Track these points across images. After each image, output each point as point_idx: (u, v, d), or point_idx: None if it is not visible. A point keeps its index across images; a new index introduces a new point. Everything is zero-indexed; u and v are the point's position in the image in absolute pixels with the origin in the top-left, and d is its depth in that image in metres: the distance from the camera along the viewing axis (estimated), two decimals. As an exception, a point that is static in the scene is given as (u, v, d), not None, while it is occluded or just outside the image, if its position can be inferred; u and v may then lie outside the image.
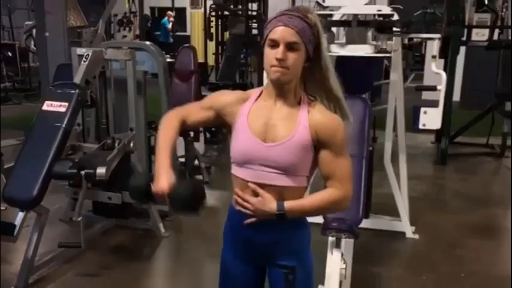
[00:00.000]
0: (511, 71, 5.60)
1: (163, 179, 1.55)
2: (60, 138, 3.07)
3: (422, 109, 3.04)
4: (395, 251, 3.62)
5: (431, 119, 3.03)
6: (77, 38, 7.09)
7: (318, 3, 3.72)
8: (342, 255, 2.79)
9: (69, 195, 3.76)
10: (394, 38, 3.15)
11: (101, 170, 2.90)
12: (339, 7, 3.45)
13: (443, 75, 3.08)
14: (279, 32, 1.49)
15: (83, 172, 2.88)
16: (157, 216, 3.78)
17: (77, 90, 3.22)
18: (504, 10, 6.14)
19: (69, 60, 6.62)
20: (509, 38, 6.15)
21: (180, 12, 15.84)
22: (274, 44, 1.50)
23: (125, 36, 15.25)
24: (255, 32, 7.24)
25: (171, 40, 13.65)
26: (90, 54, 3.42)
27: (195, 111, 1.73)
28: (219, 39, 7.49)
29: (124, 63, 3.74)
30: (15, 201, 2.95)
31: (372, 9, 2.96)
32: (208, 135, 6.28)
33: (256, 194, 1.59)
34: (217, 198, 4.67)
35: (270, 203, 1.58)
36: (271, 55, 1.51)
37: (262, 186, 1.59)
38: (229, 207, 1.75)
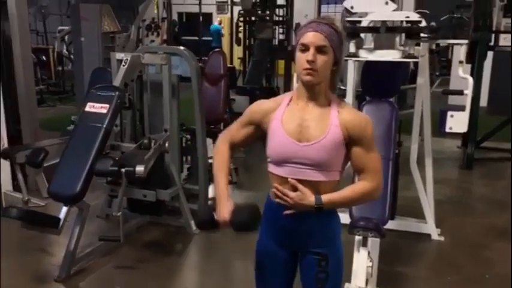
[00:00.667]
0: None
1: (224, 209, 1.75)
2: (102, 137, 3.26)
3: (449, 113, 3.12)
4: (421, 252, 3.70)
5: (458, 122, 3.11)
6: (110, 43, 7.34)
7: (346, 9, 3.84)
8: (369, 253, 2.90)
9: (106, 192, 3.98)
10: (421, 43, 3.24)
11: (140, 168, 3.07)
12: (367, 13, 3.57)
13: (470, 79, 3.16)
14: (310, 37, 1.65)
15: (123, 170, 3.06)
16: (189, 214, 3.93)
17: (117, 93, 3.41)
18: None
19: (103, 64, 6.95)
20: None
21: (207, 18, 16.10)
22: (305, 48, 1.65)
23: (152, 41, 15.53)
24: (281, 37, 7.37)
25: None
26: (129, 59, 3.61)
27: (237, 132, 1.87)
28: (246, 44, 7.64)
29: (160, 67, 3.92)
30: (59, 196, 3.14)
31: (400, 16, 3.06)
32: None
33: (295, 189, 1.72)
34: (246, 198, 4.82)
35: (309, 197, 1.72)
36: (302, 58, 1.66)
37: (299, 181, 1.73)
38: (266, 199, 1.90)
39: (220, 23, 14.82)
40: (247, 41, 7.54)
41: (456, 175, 5.57)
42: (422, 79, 3.58)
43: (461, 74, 3.18)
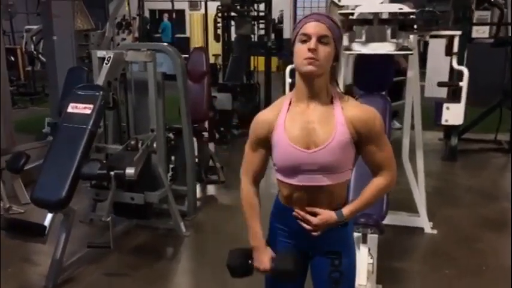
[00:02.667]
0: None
1: (264, 257, 1.74)
2: (87, 139, 3.11)
3: (445, 105, 3.09)
4: (416, 246, 3.67)
5: (453, 114, 3.08)
6: (84, 41, 7.10)
7: (333, 2, 3.77)
8: (369, 250, 2.85)
9: (90, 196, 3.81)
10: (411, 35, 3.20)
11: (130, 171, 2.94)
12: (355, 6, 3.50)
13: (466, 71, 3.13)
14: (312, 26, 1.56)
15: (112, 173, 2.92)
16: (179, 216, 3.81)
17: (101, 92, 3.26)
18: (509, 7, 6.21)
19: (77, 63, 6.72)
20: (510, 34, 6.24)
21: (179, 14, 15.87)
22: (306, 39, 1.56)
23: (124, 39, 15.25)
24: (261, 32, 7.28)
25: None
26: (111, 56, 3.45)
27: (253, 160, 1.76)
28: (225, 40, 7.51)
29: (143, 65, 3.78)
30: (44, 203, 2.99)
31: (393, 8, 3.01)
32: (217, 135, 6.31)
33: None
34: (234, 197, 4.71)
35: (331, 218, 1.67)
36: (303, 49, 1.56)
37: (311, 188, 1.65)
38: (275, 200, 1.82)
39: (169, 19, 14.65)
40: (225, 37, 7.40)
41: (441, 167, 5.59)
42: (413, 72, 3.55)
43: (455, 66, 3.15)
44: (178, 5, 14.71)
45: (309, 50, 1.54)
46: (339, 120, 1.61)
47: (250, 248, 1.77)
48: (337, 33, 1.60)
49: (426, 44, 3.39)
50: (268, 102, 7.31)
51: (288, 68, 3.49)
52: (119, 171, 2.92)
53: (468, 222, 4.05)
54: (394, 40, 3.12)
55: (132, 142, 3.38)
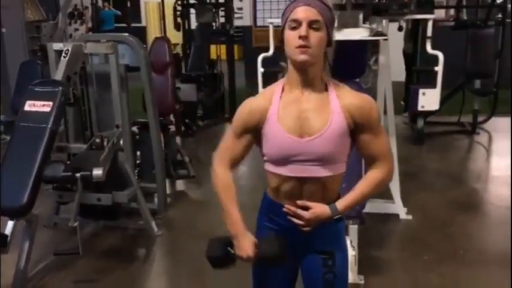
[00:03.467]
0: (479, 50, 5.75)
1: (246, 243, 1.58)
2: (47, 139, 2.89)
3: (421, 90, 3.05)
4: (393, 233, 3.66)
5: (429, 100, 3.05)
6: (35, 33, 6.73)
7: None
8: (351, 242, 2.79)
9: (52, 199, 3.58)
10: (383, 20, 3.14)
11: (97, 172, 2.76)
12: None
13: (441, 55, 3.10)
14: (301, 11, 1.46)
15: (78, 174, 2.73)
16: (149, 215, 3.65)
17: (60, 88, 3.04)
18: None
19: (29, 56, 6.35)
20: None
21: (134, 3, 15.38)
22: (296, 25, 1.46)
23: (77, 30, 14.68)
24: (222, 20, 7.09)
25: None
26: (69, 49, 3.23)
27: (234, 146, 1.64)
28: (186, 29, 7.29)
29: (104, 57, 3.57)
30: (4, 210, 2.76)
31: (366, -8, 2.93)
32: (182, 128, 6.13)
33: (305, 207, 1.58)
34: (205, 192, 4.59)
35: (324, 212, 1.57)
36: (293, 36, 1.46)
37: (304, 179, 1.56)
38: (264, 197, 1.72)
39: (108, 8, 14.26)
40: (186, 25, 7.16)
41: (409, 151, 5.61)
42: (384, 57, 3.50)
43: (429, 50, 3.11)
44: (132, -6, 14.29)
45: (300, 37, 1.44)
46: (335, 108, 1.52)
47: (230, 236, 1.62)
48: (329, 16, 1.49)
49: (400, 28, 3.32)
50: (232, 92, 7.17)
51: (260, 57, 3.36)
52: (85, 173, 2.73)
53: (440, 207, 4.07)
54: (368, 25, 3.04)
55: (97, 140, 3.18)
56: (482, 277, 3.03)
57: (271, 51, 3.27)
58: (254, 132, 1.59)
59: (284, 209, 1.60)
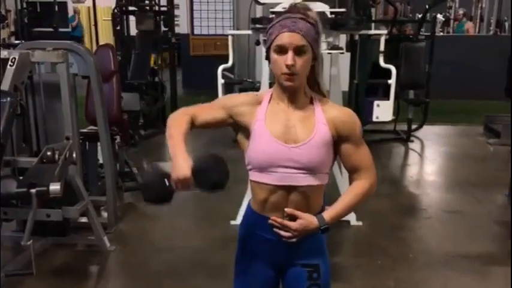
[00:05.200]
0: (411, 62, 6.09)
1: (182, 163, 1.44)
2: (-4, 154, 2.70)
3: (376, 102, 3.18)
4: (345, 239, 3.76)
5: (384, 111, 3.19)
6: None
7: (255, 0, 3.71)
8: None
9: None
10: (340, 35, 3.25)
11: (54, 187, 2.61)
12: (276, 4, 3.47)
13: (393, 69, 3.25)
14: (286, 38, 1.49)
15: (33, 190, 2.57)
16: (101, 230, 3.50)
17: (9, 99, 2.86)
18: (403, 4, 6.64)
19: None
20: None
21: (61, 7, 14.74)
22: (281, 51, 1.50)
23: (-5, 33, 13.87)
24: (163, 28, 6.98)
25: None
26: (16, 57, 3.04)
27: (205, 111, 1.64)
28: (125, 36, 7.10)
29: (51, 66, 3.40)
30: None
31: (324, 8, 3.01)
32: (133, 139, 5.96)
33: (292, 217, 1.58)
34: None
35: (312, 223, 1.58)
36: (280, 62, 1.51)
37: (288, 188, 1.58)
38: (247, 210, 1.72)
39: (74, 12, 13.71)
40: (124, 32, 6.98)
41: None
42: (336, 69, 3.61)
43: (382, 64, 3.25)
44: (59, -3, 13.71)
45: (287, 66, 1.48)
46: (320, 119, 1.57)
47: (166, 171, 1.50)
48: (313, 34, 1.53)
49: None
50: (174, 101, 7.07)
51: (220, 68, 3.35)
52: (41, 189, 2.58)
53: (388, 211, 4.25)
54: (324, 39, 3.13)
55: (48, 153, 3.01)
56: (433, 278, 3.20)
57: (230, 62, 3.27)
58: (228, 113, 1.60)
59: (270, 221, 1.60)
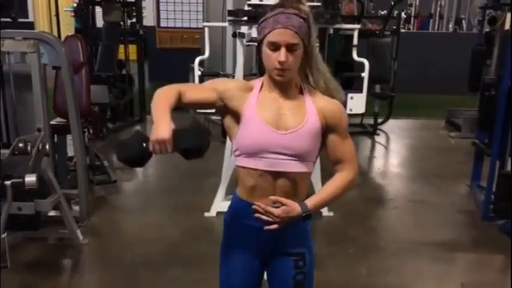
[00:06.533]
0: (378, 57, 6.24)
1: (163, 125, 1.40)
2: (-34, 145, 2.63)
3: (349, 95, 3.26)
4: (318, 229, 3.83)
5: (357, 104, 3.27)
6: None
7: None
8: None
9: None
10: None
11: (30, 178, 2.57)
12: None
13: (366, 62, 3.33)
14: (279, 35, 1.51)
15: (8, 182, 2.51)
16: (74, 223, 3.46)
17: (-22, 89, 2.78)
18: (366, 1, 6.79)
19: None
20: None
21: (20, -3, 14.27)
22: (275, 48, 1.52)
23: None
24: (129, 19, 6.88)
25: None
26: (-14, 46, 2.96)
27: (196, 90, 1.65)
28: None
29: (20, 56, 3.31)
30: None
31: (300, 1, 3.05)
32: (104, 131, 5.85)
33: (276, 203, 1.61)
34: (126, 196, 4.47)
35: (295, 209, 1.61)
36: (272, 58, 1.53)
37: (277, 174, 1.61)
38: (233, 198, 1.74)
39: None
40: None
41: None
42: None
43: (355, 58, 3.33)
44: (18, -14, 13.26)
45: (279, 62, 1.51)
46: (310, 109, 1.61)
47: (143, 133, 1.49)
48: (305, 30, 1.54)
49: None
50: (142, 94, 7.00)
51: (197, 60, 3.35)
52: (16, 180, 2.53)
53: (357, 202, 4.36)
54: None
55: (20, 145, 2.95)
56: (402, 265, 3.32)
57: (206, 54, 3.27)
58: (218, 95, 1.59)
59: (254, 206, 1.62)
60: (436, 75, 9.18)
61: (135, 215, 4.05)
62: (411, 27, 12.41)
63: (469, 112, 6.21)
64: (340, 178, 1.69)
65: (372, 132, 6.69)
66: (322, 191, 1.69)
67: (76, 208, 3.85)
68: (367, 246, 3.57)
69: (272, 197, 1.61)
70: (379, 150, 6.44)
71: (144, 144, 1.41)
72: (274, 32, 1.51)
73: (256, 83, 1.66)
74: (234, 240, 1.74)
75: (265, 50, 1.54)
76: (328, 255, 3.42)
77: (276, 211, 1.60)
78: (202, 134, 1.45)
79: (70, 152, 4.19)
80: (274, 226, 1.62)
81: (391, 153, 6.32)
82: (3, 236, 2.61)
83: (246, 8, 3.12)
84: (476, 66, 4.17)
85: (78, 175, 3.70)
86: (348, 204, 4.28)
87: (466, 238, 3.77)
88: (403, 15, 12.39)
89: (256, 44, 1.61)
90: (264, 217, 1.62)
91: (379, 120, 6.79)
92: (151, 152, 1.40)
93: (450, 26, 11.59)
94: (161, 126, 1.40)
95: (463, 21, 11.65)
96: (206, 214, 3.91)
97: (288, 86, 1.61)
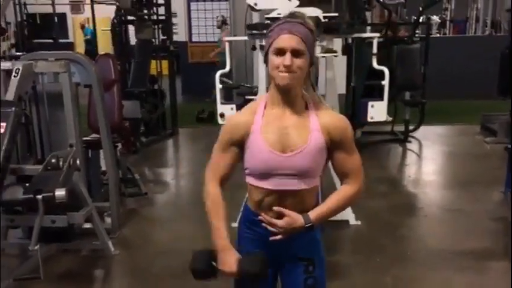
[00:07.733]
0: (407, 64, 6.17)
1: (230, 259, 1.66)
2: (3, 162, 2.78)
3: (370, 103, 3.26)
4: (345, 238, 3.84)
5: (378, 111, 3.27)
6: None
7: (250, 6, 3.79)
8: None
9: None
10: (334, 38, 3.34)
11: (60, 192, 2.70)
12: (271, 10, 3.56)
13: (386, 70, 3.33)
14: (285, 40, 1.54)
15: (40, 196, 2.65)
16: (105, 234, 3.58)
17: (14, 108, 2.94)
18: (399, 7, 6.73)
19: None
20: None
21: (61, 18, 14.90)
22: (280, 53, 1.55)
23: (-4, 45, 14.02)
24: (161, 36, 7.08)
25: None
26: (20, 68, 3.14)
27: (221, 161, 1.72)
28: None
29: (53, 76, 3.49)
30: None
31: (317, 12, 3.10)
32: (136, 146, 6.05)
33: (280, 215, 1.66)
34: (157, 208, 4.58)
35: (298, 221, 1.66)
36: (277, 62, 1.55)
37: (283, 192, 1.66)
38: (244, 207, 1.80)
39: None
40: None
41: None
42: (331, 72, 3.70)
43: (375, 66, 3.34)
44: (59, 9, 13.85)
45: (284, 66, 1.54)
46: (314, 126, 1.63)
47: (214, 250, 1.69)
48: (311, 40, 1.59)
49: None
50: (174, 108, 7.17)
51: (218, 74, 3.44)
52: (47, 194, 2.66)
53: (385, 210, 4.33)
54: (318, 43, 3.22)
55: (53, 160, 3.10)
56: (431, 275, 3.26)
57: (227, 68, 3.36)
58: (239, 146, 1.67)
59: (260, 217, 1.69)
60: (470, 79, 8.97)
61: (165, 227, 4.15)
62: (447, 32, 12.23)
63: (505, 117, 6.07)
64: (345, 191, 1.72)
65: (403, 139, 6.60)
66: (326, 204, 1.72)
67: (108, 220, 3.99)
68: (394, 255, 3.53)
69: (275, 208, 1.67)
70: (410, 157, 6.34)
71: (214, 264, 1.68)
72: (279, 38, 1.55)
73: (261, 101, 1.68)
74: (246, 248, 1.79)
75: (271, 57, 1.57)
76: (354, 264, 3.41)
77: (280, 223, 1.66)
78: (261, 264, 1.65)
79: (103, 166, 4.35)
80: (279, 237, 1.68)
81: (423, 161, 6.21)
82: (36, 247, 2.73)
83: (266, 22, 3.19)
84: (505, 70, 4.08)
85: (109, 188, 3.84)
86: (376, 212, 4.27)
87: (499, 247, 3.67)
88: (437, 19, 12.26)
89: (264, 55, 1.64)
90: (269, 227, 1.68)
91: (411, 127, 6.69)
92: (216, 273, 1.69)
93: (486, 29, 11.35)
94: (229, 259, 1.65)
95: (501, 24, 11.39)
96: (233, 225, 3.95)
97: (293, 99, 1.62)
